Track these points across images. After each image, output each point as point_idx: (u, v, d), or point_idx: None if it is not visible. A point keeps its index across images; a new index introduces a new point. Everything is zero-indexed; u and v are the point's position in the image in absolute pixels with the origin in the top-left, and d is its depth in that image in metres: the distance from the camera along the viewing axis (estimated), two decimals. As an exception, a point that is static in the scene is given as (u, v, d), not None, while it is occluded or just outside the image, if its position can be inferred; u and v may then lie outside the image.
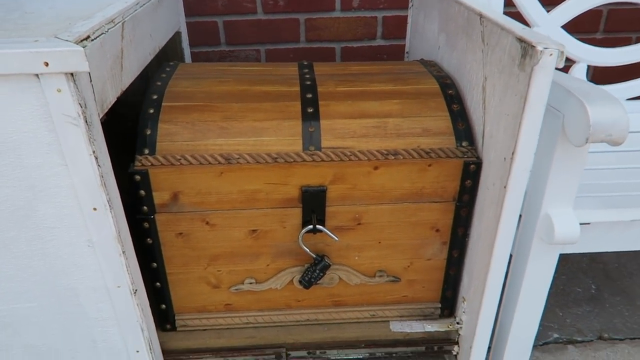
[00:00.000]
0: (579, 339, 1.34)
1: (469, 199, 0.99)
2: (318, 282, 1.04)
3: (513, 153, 0.80)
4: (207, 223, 0.98)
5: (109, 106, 0.85)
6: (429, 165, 0.95)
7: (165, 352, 1.09)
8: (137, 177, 0.91)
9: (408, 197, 0.98)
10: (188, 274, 1.05)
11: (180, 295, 1.08)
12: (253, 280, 1.07)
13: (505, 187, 0.84)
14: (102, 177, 0.77)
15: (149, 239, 0.98)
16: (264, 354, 1.11)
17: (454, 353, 1.17)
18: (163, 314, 1.09)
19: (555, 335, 1.35)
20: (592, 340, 1.33)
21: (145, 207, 0.95)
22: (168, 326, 1.11)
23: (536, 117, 0.77)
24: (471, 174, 0.96)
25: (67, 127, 0.72)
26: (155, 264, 1.02)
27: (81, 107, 0.72)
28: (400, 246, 1.05)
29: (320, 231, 0.99)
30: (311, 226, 0.98)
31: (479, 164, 0.95)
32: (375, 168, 0.95)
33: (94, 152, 0.75)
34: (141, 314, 0.93)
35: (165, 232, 0.98)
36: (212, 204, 0.96)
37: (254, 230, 1.00)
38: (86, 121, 0.73)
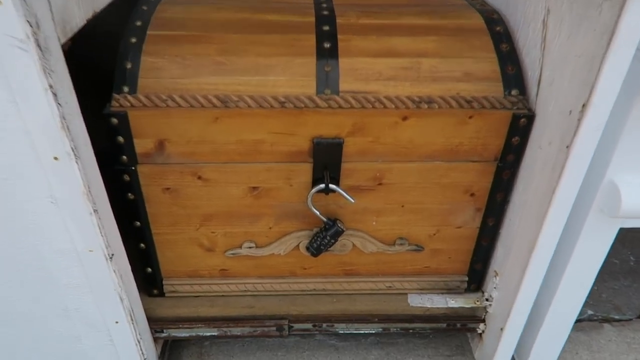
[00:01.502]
0: (616, 317, 1.20)
1: (514, 159, 0.82)
2: (328, 249, 0.89)
3: (584, 105, 0.63)
4: (200, 178, 0.82)
5: (75, 30, 0.68)
6: (470, 118, 0.78)
7: (151, 319, 0.96)
8: (114, 121, 0.75)
9: (441, 154, 0.82)
10: (177, 235, 0.90)
11: (169, 258, 0.93)
12: (253, 245, 0.92)
13: (568, 147, 0.67)
14: (64, 118, 0.61)
15: (130, 194, 0.83)
16: (263, 326, 0.98)
17: (479, 331, 1.03)
18: (149, 279, 0.95)
19: (590, 312, 1.21)
20: (630, 319, 1.19)
21: (124, 157, 0.79)
22: (155, 291, 0.97)
23: (623, 61, 0.59)
24: (520, 129, 0.79)
25: (12, 52, 0.56)
26: (138, 223, 0.87)
27: (31, 26, 0.55)
28: (426, 211, 0.89)
29: (334, 191, 0.83)
30: (323, 185, 0.82)
31: (530, 118, 0.78)
32: (404, 118, 0.78)
33: (50, 86, 0.58)
34: (119, 281, 0.79)
35: (150, 186, 0.83)
36: (205, 155, 0.80)
37: (254, 188, 0.84)
38: (39, 46, 0.56)
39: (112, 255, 0.76)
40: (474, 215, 0.90)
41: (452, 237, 0.94)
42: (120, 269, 0.79)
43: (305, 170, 0.82)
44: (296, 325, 0.99)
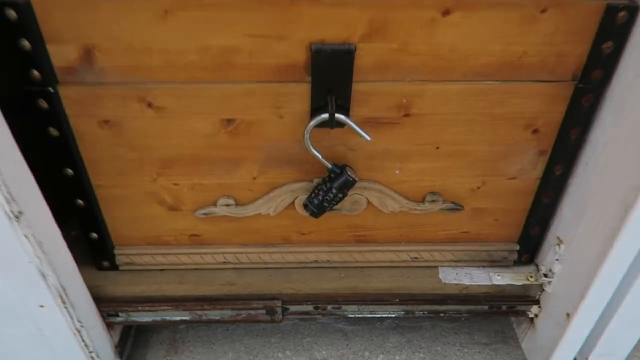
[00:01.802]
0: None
1: (601, 77, 0.57)
2: (334, 207, 0.65)
3: None
4: (150, 106, 0.58)
5: None
6: (542, 12, 0.53)
7: (102, 300, 0.73)
8: (11, 14, 0.50)
9: (495, 71, 0.57)
10: (128, 189, 0.66)
11: (120, 220, 0.70)
12: (231, 201, 0.68)
13: None
14: None
15: (52, 129, 0.59)
16: (249, 308, 0.75)
17: (531, 316, 0.79)
18: (96, 247, 0.72)
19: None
20: None
21: (36, 72, 0.54)
22: (105, 264, 0.74)
23: None
24: (616, 29, 0.53)
25: None
26: (70, 171, 0.63)
27: None
28: (470, 155, 0.64)
29: (342, 125, 0.58)
30: (326, 115, 0.57)
31: (634, 11, 0.52)
32: (445, 13, 0.52)
33: None
34: (36, 250, 0.55)
35: (80, 118, 0.59)
36: (154, 71, 0.55)
37: (229, 121, 0.60)
38: None
39: (20, 213, 0.52)
40: (535, 160, 0.65)
41: (501, 192, 0.69)
42: (39, 233, 0.55)
43: (300, 95, 0.58)
44: (292, 308, 0.76)
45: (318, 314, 0.78)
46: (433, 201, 0.69)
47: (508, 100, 0.59)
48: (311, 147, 0.60)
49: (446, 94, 0.58)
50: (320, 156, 0.61)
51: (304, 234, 0.73)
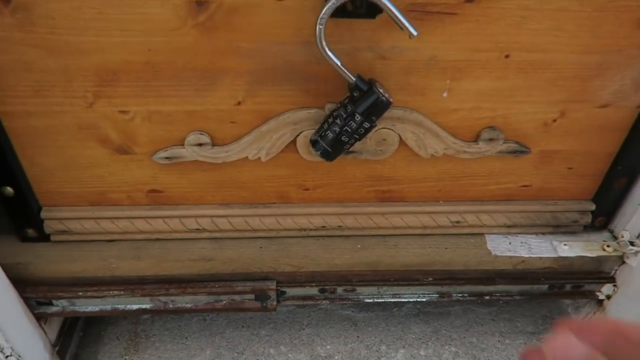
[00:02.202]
0: None
1: None
2: (353, 146, 0.45)
3: None
4: (75, -25, 0.37)
5: None
6: None
7: (26, 282, 0.52)
8: None
9: None
10: (51, 117, 0.45)
11: (46, 168, 0.49)
12: (206, 138, 0.47)
13: None
14: None
15: None
16: (232, 292, 0.55)
17: (601, 297, 0.61)
18: (14, 207, 0.51)
19: None
20: None
21: None
22: (30, 232, 0.53)
23: None
24: None
25: None
26: (-42, 87, 0.41)
27: None
28: (551, 68, 0.45)
29: (373, 13, 0.38)
30: (349, -6, 0.37)
31: None
32: None
33: None
34: None
35: (-36, -6, 0.37)
36: None
37: (199, 3, 0.39)
38: None
39: None
40: (640, 78, 0.46)
41: (585, 127, 0.49)
42: None
43: (310, -39, 0.37)
44: (290, 291, 0.57)
45: (325, 299, 0.58)
46: (491, 140, 0.49)
47: (620, -21, 0.40)
48: (326, 48, 0.39)
49: (531, -35, 0.38)
50: (339, 62, 0.40)
51: (307, 189, 0.53)
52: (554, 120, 0.49)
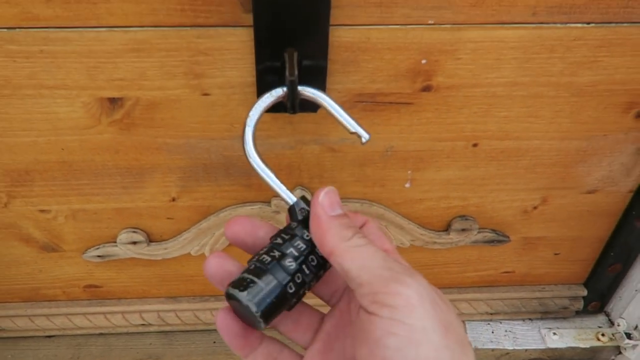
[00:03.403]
0: None
1: None
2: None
3: None
4: (-32, 73, 0.32)
5: None
6: None
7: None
8: None
9: (587, 3, 0.31)
10: (-36, 219, 0.40)
11: (-34, 268, 0.44)
12: (140, 237, 0.42)
13: None
14: None
15: None
16: (184, 392, 0.49)
17: (599, 390, 0.54)
18: None
19: None
20: None
21: None
22: (-46, 333, 0.48)
23: None
24: None
25: None
26: None
27: None
28: (527, 155, 0.39)
29: (315, 108, 0.32)
30: (281, 90, 0.31)
31: None
32: None
33: None
34: None
35: None
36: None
37: (112, 100, 0.34)
38: None
39: None
40: (631, 163, 0.40)
41: (571, 213, 0.44)
42: None
43: (235, 49, 0.32)
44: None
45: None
46: (463, 230, 0.43)
47: (603, 60, 0.34)
48: (256, 157, 0.30)
49: (497, 49, 0.33)
50: (271, 177, 0.29)
51: (262, 281, 0.47)
52: (535, 208, 0.43)
